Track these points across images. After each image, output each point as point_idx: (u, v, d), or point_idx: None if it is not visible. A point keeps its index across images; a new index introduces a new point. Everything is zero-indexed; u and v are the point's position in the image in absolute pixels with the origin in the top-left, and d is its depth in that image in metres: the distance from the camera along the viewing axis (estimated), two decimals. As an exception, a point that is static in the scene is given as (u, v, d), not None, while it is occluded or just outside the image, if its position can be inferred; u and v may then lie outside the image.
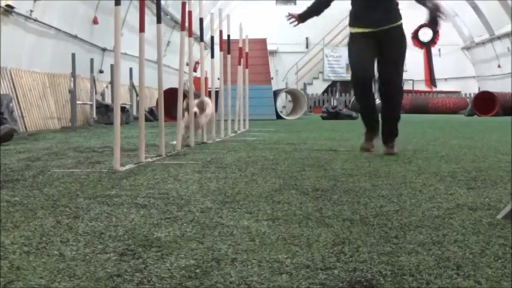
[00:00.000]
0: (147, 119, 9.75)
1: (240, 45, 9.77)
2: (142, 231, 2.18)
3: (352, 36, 5.38)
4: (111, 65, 13.18)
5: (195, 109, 6.35)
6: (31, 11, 11.08)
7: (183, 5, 6.27)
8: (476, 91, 25.37)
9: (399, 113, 5.49)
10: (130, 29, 15.17)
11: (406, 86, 30.79)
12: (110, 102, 13.28)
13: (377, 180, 3.57)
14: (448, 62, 30.27)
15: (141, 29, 4.69)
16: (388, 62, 5.25)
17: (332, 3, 5.64)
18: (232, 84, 9.57)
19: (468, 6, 27.37)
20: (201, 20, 7.16)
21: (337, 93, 29.23)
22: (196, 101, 6.50)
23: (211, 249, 1.92)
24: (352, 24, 5.38)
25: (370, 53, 5.25)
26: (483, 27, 26.84)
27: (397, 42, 5.28)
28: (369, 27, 5.24)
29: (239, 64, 9.80)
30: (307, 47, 30.98)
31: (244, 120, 10.51)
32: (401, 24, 5.34)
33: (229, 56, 9.07)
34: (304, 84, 28.96)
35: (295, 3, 30.95)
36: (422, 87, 30.53)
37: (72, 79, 11.08)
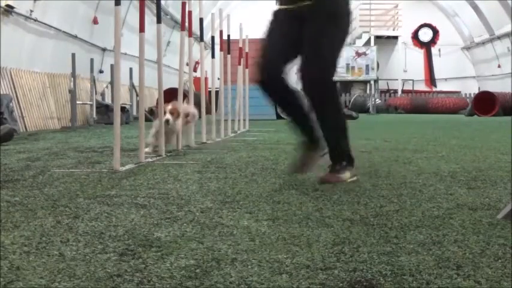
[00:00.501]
0: (147, 119, 9.75)
1: (240, 45, 9.77)
2: (142, 231, 2.18)
3: (273, 15, 3.81)
4: (111, 65, 13.17)
5: (168, 116, 5.38)
6: (31, 11, 11.08)
7: (183, 5, 6.27)
8: (476, 91, 25.38)
9: (338, 120, 3.62)
10: (130, 29, 15.16)
11: (406, 86, 30.85)
12: (110, 102, 13.28)
13: (377, 180, 3.57)
14: (448, 62, 30.28)
15: (141, 29, 4.69)
16: (311, 47, 3.44)
17: None
18: (232, 84, 9.57)
19: (468, 6, 27.39)
20: (201, 20, 7.16)
21: (337, 93, 29.19)
22: (169, 106, 5.50)
23: (211, 249, 1.92)
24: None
25: (288, 41, 3.53)
26: (483, 27, 26.85)
27: (326, 19, 3.43)
28: (292, 3, 3.57)
29: (239, 64, 9.80)
30: (307, 47, 30.93)
31: (244, 120, 10.51)
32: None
33: (229, 56, 9.08)
34: (304, 84, 28.91)
35: (295, 3, 30.95)
36: (422, 87, 30.55)
37: (72, 79, 11.08)
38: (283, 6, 3.67)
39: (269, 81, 3.57)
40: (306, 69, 3.47)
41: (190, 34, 7.07)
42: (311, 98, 3.49)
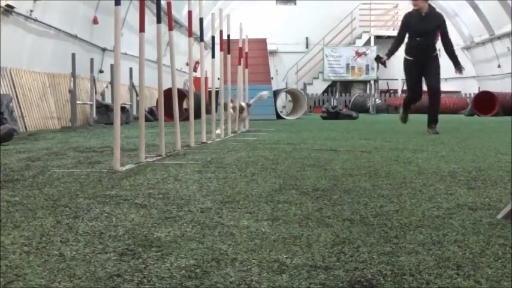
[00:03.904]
0: (147, 119, 9.75)
1: (240, 45, 9.77)
2: (142, 231, 2.18)
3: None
4: (111, 65, 13.17)
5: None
6: (31, 11, 11.08)
7: (169, 5, 6.31)
8: (476, 91, 25.37)
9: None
10: (130, 29, 15.16)
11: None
12: (110, 102, 13.28)
13: (377, 180, 3.57)
14: (448, 62, 30.24)
15: (141, 29, 4.68)
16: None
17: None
18: (232, 84, 9.57)
19: (468, 6, 27.37)
20: (201, 20, 7.16)
21: (337, 93, 29.25)
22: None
23: (211, 249, 1.92)
24: None
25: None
26: (483, 27, 26.83)
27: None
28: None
29: (239, 64, 9.80)
30: (307, 47, 30.99)
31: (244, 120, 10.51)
32: None
33: (229, 56, 9.08)
34: (304, 84, 28.97)
35: (295, 3, 30.97)
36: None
37: (72, 79, 11.08)
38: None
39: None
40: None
41: (190, 34, 7.07)
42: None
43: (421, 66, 9.03)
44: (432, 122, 9.11)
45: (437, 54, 9.27)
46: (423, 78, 9.21)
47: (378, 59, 9.57)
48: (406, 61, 9.25)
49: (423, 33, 8.91)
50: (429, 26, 8.95)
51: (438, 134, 8.73)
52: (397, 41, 9.31)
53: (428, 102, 9.31)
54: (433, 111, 9.27)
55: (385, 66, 9.81)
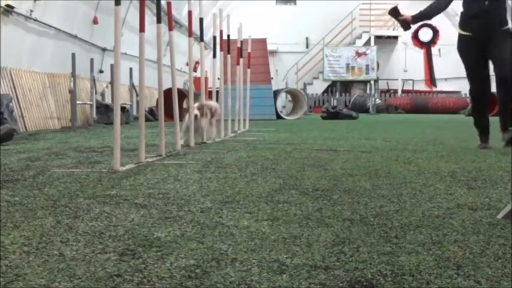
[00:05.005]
0: (147, 119, 9.75)
1: (238, 45, 9.76)
2: (142, 231, 2.18)
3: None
4: (111, 65, 13.16)
5: (196, 112, 6.49)
6: (31, 11, 11.08)
7: (169, 5, 6.31)
8: (476, 91, 25.32)
9: None
10: (130, 29, 15.16)
11: (406, 86, 30.85)
12: (110, 102, 13.27)
13: (377, 180, 3.57)
14: (448, 62, 30.26)
15: (141, 29, 4.68)
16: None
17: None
18: (232, 84, 9.57)
19: (468, 6, 27.32)
20: (201, 20, 7.16)
21: (337, 93, 29.25)
22: (196, 104, 6.67)
23: (211, 249, 1.92)
24: None
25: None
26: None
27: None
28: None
29: (237, 64, 9.80)
30: (307, 46, 30.98)
31: (244, 120, 10.51)
32: None
33: (229, 56, 9.08)
34: (304, 84, 28.96)
35: (295, 3, 30.97)
36: (422, 87, 30.55)
37: (72, 79, 11.08)
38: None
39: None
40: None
41: (190, 34, 7.07)
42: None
43: (485, 44, 5.98)
44: (506, 124, 6.24)
45: (509, 28, 6.02)
46: (490, 63, 6.13)
47: (394, 12, 6.32)
48: (461, 38, 6.19)
49: None
50: None
51: None
52: (438, 2, 6.29)
53: (497, 95, 6.25)
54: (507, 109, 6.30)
55: (404, 28, 6.32)
